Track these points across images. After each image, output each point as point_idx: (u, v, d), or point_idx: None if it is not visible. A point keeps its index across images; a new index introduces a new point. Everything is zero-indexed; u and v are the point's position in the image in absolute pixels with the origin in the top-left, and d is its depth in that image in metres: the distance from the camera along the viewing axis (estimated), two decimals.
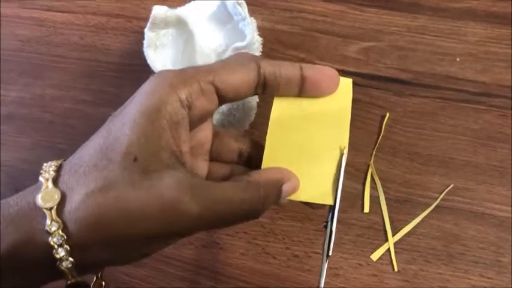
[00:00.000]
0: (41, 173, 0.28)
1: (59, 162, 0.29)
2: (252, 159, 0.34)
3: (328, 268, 0.43)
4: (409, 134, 0.47)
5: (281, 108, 0.32)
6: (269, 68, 0.30)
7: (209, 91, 0.29)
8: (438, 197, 0.45)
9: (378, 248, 0.44)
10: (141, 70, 0.49)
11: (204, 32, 0.44)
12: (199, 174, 0.33)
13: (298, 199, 0.31)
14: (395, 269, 0.43)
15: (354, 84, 0.32)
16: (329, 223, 0.31)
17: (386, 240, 0.44)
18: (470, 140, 0.47)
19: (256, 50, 0.43)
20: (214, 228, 0.43)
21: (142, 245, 0.28)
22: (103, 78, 0.52)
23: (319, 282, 0.31)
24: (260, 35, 0.45)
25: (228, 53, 0.41)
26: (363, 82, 0.49)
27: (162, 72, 0.29)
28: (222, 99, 0.30)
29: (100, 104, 0.51)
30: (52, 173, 0.28)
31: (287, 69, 0.30)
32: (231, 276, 0.44)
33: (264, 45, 0.46)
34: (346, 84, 0.32)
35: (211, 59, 0.43)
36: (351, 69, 0.50)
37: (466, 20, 0.51)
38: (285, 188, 0.30)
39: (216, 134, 0.34)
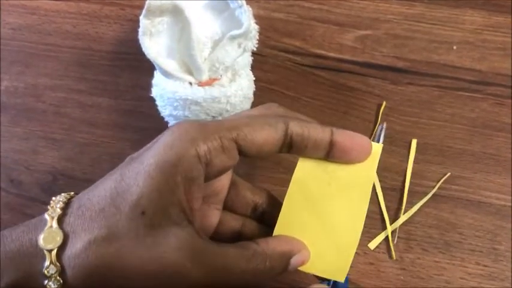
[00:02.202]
0: (47, 209, 0.27)
1: (68, 196, 0.28)
2: (266, 215, 0.34)
3: None
4: (406, 123, 0.47)
5: (305, 169, 0.30)
6: (297, 129, 0.29)
7: (230, 148, 0.28)
8: (435, 186, 0.45)
9: (375, 236, 0.44)
10: (136, 59, 0.49)
11: (200, 20, 0.43)
12: (209, 225, 0.32)
13: (308, 271, 0.30)
14: (393, 258, 0.43)
15: (350, 72, 0.32)
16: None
17: (383, 229, 0.44)
18: (466, 129, 0.47)
19: (253, 38, 0.43)
20: None
21: None
22: (97, 67, 0.51)
23: None
24: (256, 23, 0.45)
25: (225, 41, 0.41)
26: (359, 71, 0.49)
27: (183, 124, 0.28)
28: (242, 155, 0.29)
29: (94, 93, 0.50)
30: (58, 211, 0.27)
31: (316, 132, 0.29)
32: None
33: (259, 33, 0.45)
34: (375, 151, 0.31)
35: (208, 47, 0.43)
36: (347, 57, 0.49)
37: (463, 8, 0.50)
38: (293, 261, 0.29)
39: (233, 184, 0.33)
